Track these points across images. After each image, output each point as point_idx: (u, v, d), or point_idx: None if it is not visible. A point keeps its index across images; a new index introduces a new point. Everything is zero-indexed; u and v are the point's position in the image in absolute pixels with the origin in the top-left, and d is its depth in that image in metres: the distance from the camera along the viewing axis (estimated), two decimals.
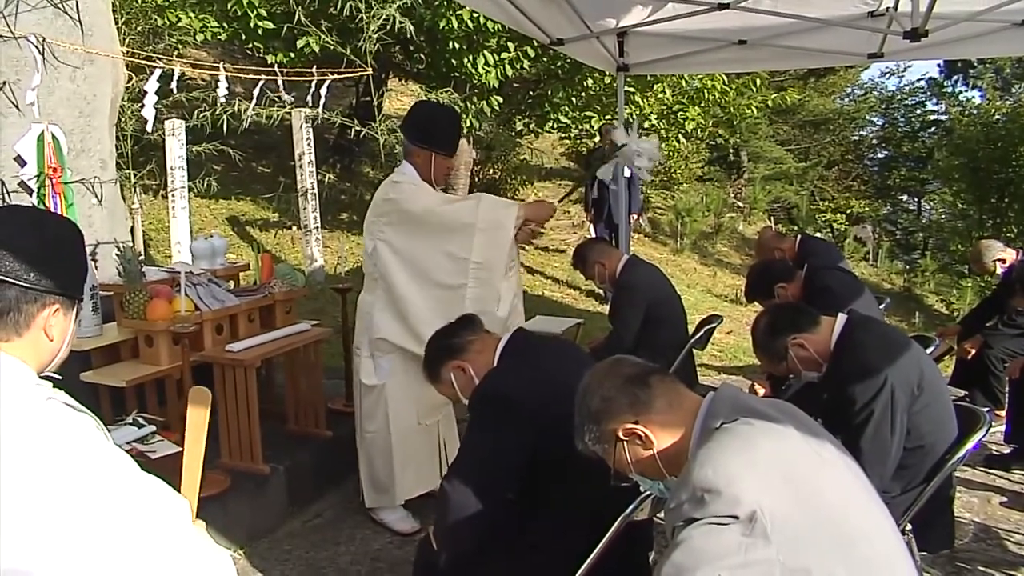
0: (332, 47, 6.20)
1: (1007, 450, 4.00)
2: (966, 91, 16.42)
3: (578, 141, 9.75)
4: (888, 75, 17.75)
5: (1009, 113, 11.35)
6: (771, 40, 4.32)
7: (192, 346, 3.03)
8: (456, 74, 6.79)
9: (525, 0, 3.64)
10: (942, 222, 14.52)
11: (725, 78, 7.88)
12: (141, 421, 2.72)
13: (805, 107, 15.33)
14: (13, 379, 1.09)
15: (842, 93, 17.36)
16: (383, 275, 2.97)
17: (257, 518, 3.08)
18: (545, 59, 7.07)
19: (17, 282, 1.12)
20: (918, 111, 17.42)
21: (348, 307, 3.73)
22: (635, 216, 7.84)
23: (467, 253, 2.83)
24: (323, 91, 5.66)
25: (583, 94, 7.60)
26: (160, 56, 5.06)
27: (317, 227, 6.52)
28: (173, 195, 5.47)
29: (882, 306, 4.11)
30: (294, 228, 7.40)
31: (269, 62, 6.34)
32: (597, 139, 7.88)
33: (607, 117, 7.51)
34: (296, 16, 5.95)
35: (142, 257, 3.80)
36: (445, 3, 6.11)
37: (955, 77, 16.95)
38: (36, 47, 3.48)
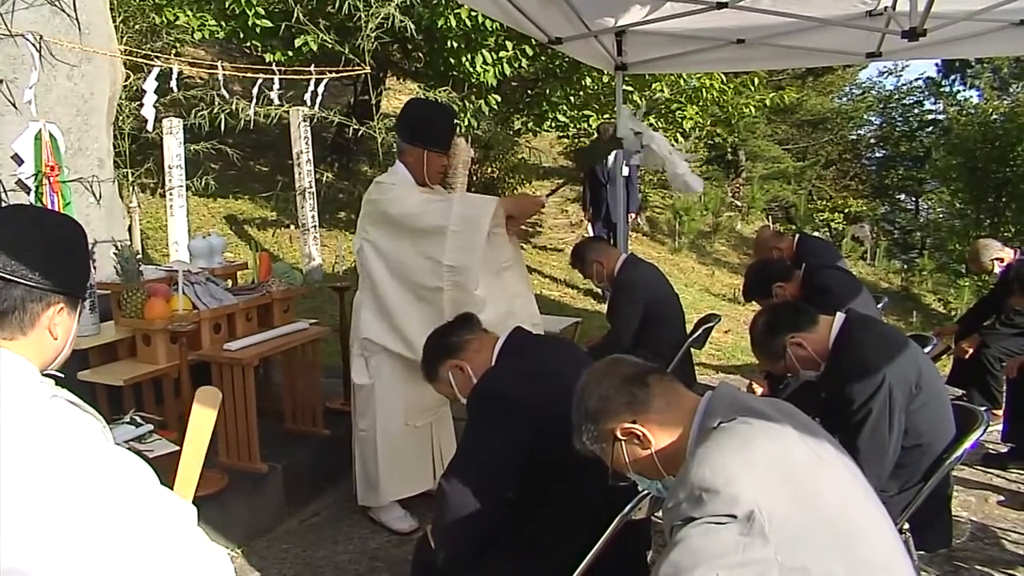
0: (330, 46, 6.20)
1: (1004, 449, 4.00)
2: (964, 91, 16.40)
3: (576, 140, 9.74)
4: (886, 74, 17.84)
5: (1007, 113, 11.34)
6: (769, 39, 4.32)
7: (190, 345, 3.03)
8: (454, 73, 6.79)
9: None
10: (940, 221, 14.54)
11: (723, 77, 7.87)
12: (139, 420, 2.71)
13: (803, 106, 15.35)
14: (17, 377, 1.09)
15: (840, 92, 17.36)
16: (368, 275, 2.98)
17: (255, 517, 3.08)
18: (543, 58, 7.08)
19: (22, 281, 1.12)
20: (916, 110, 17.45)
21: (346, 306, 3.72)
22: (633, 215, 7.84)
23: (440, 256, 2.80)
24: (320, 90, 5.66)
25: (581, 93, 7.60)
26: (158, 55, 5.05)
27: (315, 226, 6.53)
28: (171, 194, 5.46)
29: (880, 305, 4.12)
30: (292, 227, 7.40)
31: (267, 60, 6.34)
32: (595, 137, 7.89)
33: (605, 116, 7.52)
34: (294, 14, 5.94)
35: (140, 256, 3.80)
36: (443, 2, 6.11)
37: (953, 77, 16.94)
38: (33, 45, 3.47)
